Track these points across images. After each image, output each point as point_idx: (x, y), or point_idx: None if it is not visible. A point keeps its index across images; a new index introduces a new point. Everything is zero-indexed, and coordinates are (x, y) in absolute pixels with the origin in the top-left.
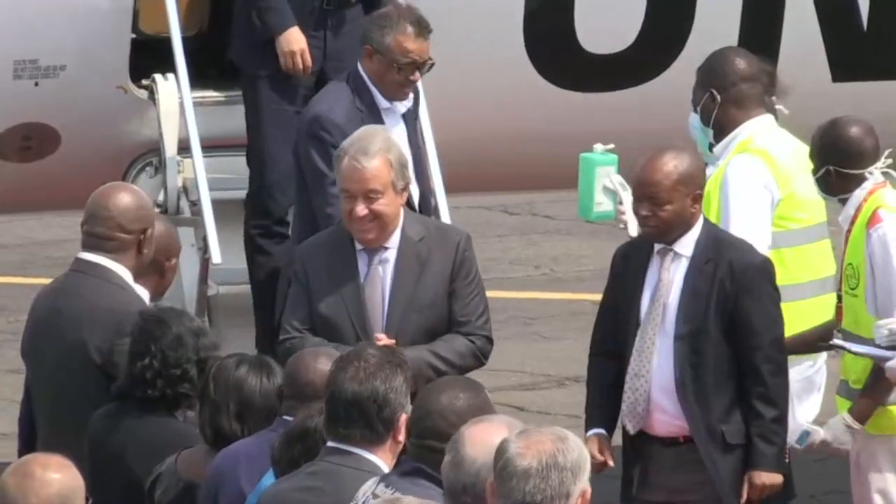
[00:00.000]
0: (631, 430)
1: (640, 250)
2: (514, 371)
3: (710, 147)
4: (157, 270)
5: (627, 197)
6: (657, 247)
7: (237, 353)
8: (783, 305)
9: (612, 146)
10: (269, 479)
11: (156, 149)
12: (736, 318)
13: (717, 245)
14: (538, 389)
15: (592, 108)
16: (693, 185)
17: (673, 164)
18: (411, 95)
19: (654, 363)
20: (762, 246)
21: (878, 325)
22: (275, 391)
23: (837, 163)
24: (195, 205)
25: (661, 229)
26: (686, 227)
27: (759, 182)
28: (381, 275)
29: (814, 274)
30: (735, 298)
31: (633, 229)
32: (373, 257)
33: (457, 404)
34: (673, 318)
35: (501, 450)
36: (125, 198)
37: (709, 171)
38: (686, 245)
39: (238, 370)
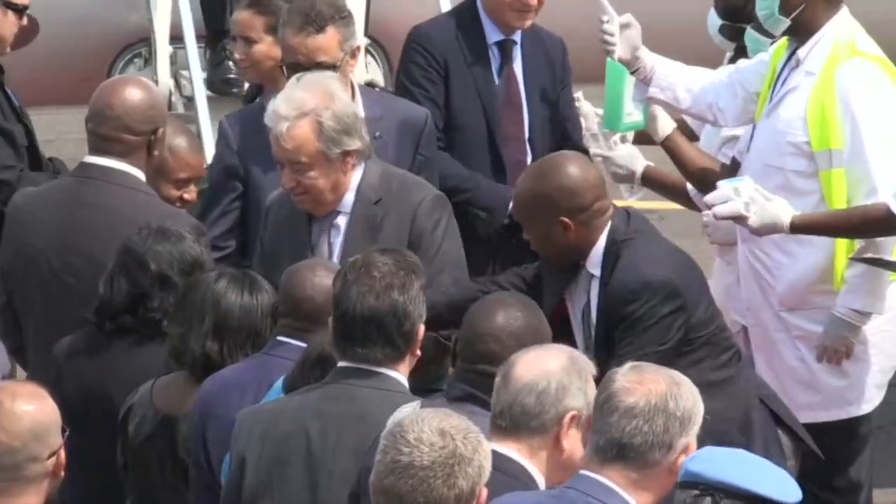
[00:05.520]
0: None
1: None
2: None
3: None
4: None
5: (615, 17)
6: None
7: (218, 269)
8: None
9: None
10: None
11: (146, 38)
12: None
13: (614, 262)
14: None
15: None
16: (555, 209)
17: (528, 184)
18: None
19: None
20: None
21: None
22: (258, 308)
23: None
24: (189, 101)
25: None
26: (570, 249)
27: (886, 89)
28: (330, 243)
29: None
30: (616, 325)
31: (617, 53)
32: (324, 223)
33: (514, 325)
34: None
35: (608, 381)
36: (133, 94)
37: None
38: (594, 263)
39: (216, 284)
